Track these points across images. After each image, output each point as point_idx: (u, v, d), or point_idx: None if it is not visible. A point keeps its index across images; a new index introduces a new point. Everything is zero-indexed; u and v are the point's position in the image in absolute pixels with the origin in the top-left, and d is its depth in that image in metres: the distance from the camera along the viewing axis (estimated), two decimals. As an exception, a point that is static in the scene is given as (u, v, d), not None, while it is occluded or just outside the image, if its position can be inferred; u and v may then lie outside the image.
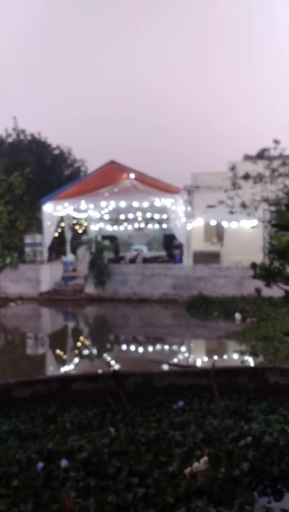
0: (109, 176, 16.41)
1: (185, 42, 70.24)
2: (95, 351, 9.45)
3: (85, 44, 70.08)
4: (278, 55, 70.20)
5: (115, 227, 22.12)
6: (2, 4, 66.35)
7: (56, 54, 68.76)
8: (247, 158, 19.71)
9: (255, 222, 16.58)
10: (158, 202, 16.01)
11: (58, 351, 9.56)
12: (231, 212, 15.75)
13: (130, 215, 20.82)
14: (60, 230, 18.30)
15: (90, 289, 15.63)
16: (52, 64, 66.75)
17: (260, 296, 11.14)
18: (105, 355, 9.04)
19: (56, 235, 17.69)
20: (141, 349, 9.44)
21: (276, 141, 14.38)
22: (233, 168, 15.15)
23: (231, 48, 71.45)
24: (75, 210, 17.68)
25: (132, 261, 17.44)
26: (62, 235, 18.61)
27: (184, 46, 70.52)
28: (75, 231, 19.64)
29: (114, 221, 21.64)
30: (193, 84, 69.05)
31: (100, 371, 5.76)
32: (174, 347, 9.81)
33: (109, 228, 22.00)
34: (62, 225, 18.36)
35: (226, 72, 68.93)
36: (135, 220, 21.49)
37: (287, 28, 72.44)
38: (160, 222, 21.26)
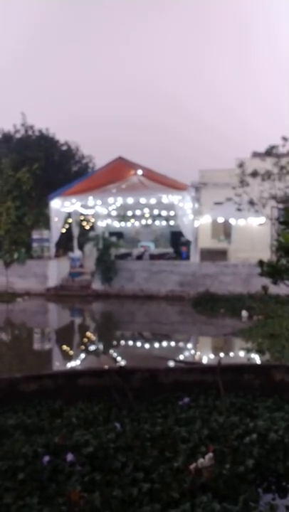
0: (117, 173, 16.41)
1: (188, 43, 70.26)
2: (101, 347, 9.48)
3: (94, 40, 70.08)
4: (278, 54, 70.04)
5: (122, 224, 22.13)
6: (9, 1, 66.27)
7: (66, 50, 68.77)
8: (255, 155, 19.63)
9: (262, 219, 16.52)
10: (165, 198, 15.99)
11: (65, 347, 9.61)
12: (239, 210, 15.69)
13: (137, 212, 20.82)
14: (67, 226, 18.35)
15: (96, 285, 15.66)
16: (60, 60, 66.78)
17: (267, 294, 11.16)
18: (111, 351, 9.07)
19: (63, 230, 17.74)
20: (147, 345, 9.46)
21: (285, 139, 14.30)
22: (241, 165, 15.09)
23: (231, 47, 71.41)
24: (82, 206, 17.71)
25: (139, 257, 17.45)
26: (69, 230, 18.66)
27: (187, 46, 70.59)
28: (82, 227, 19.68)
29: (122, 217, 21.64)
30: (197, 84, 69.23)
31: (106, 367, 5.79)
32: (180, 344, 9.82)
33: (117, 224, 22.01)
34: (70, 221, 18.40)
35: (228, 72, 69.12)
36: (142, 216, 21.48)
37: (286, 26, 71.86)
38: (167, 218, 21.24)
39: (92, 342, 10.00)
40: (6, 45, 66.63)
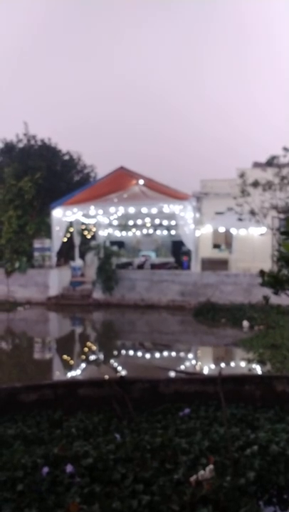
0: (119, 182, 16.47)
1: (190, 53, 71.30)
2: (101, 357, 9.44)
3: (97, 49, 70.95)
4: (278, 65, 70.85)
5: (124, 233, 22.16)
6: (7, 7, 67.09)
7: (67, 59, 69.55)
8: (256, 165, 19.69)
9: (263, 229, 16.53)
10: (167, 208, 16.02)
11: (65, 356, 9.57)
12: (240, 220, 15.72)
13: (139, 221, 20.82)
14: (68, 235, 18.37)
15: (97, 294, 15.65)
16: (63, 69, 67.52)
17: (268, 304, 11.13)
18: (112, 360, 9.03)
19: (65, 240, 17.76)
20: (148, 355, 9.42)
21: (285, 149, 14.35)
22: (242, 175, 15.13)
23: (232, 58, 72.45)
24: (84, 215, 17.76)
25: (140, 267, 17.45)
26: (70, 240, 18.68)
27: (188, 56, 71.64)
28: (83, 236, 19.70)
29: (123, 227, 21.67)
30: (198, 94, 70.08)
31: (106, 377, 5.76)
32: (181, 354, 9.78)
33: (118, 234, 22.04)
34: (71, 230, 18.43)
35: (229, 83, 70.09)
36: (144, 226, 21.50)
37: (286, 37, 72.61)
38: (169, 228, 21.25)
39: (92, 352, 9.96)
40: (6, 52, 67.32)
